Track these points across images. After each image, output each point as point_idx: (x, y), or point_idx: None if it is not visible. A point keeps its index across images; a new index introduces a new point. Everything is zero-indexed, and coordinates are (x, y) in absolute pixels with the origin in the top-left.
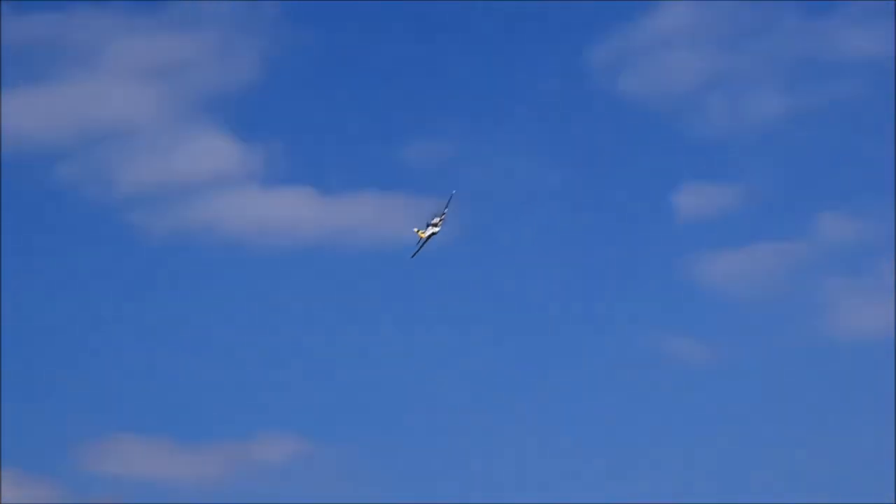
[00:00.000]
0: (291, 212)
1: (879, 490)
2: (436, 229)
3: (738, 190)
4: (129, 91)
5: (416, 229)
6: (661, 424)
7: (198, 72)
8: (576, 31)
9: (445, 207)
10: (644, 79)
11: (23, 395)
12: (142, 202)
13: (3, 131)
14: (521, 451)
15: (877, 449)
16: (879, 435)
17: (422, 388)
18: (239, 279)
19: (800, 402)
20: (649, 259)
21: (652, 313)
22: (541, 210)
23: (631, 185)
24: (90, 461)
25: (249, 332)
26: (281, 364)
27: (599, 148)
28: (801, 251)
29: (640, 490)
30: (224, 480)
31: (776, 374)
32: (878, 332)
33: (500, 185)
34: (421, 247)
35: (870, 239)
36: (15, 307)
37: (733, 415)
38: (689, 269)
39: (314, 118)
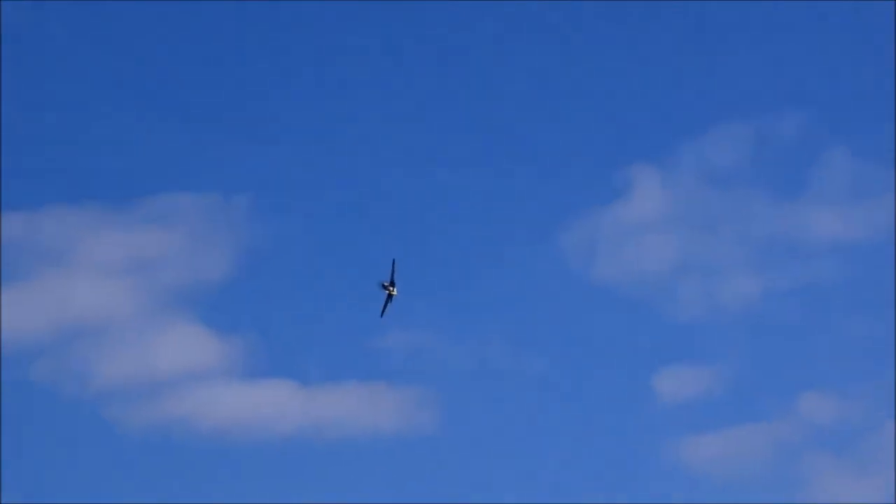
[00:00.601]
0: (272, 404)
1: None
2: (392, 291)
3: (717, 372)
4: (103, 287)
5: (389, 291)
6: None
7: (172, 266)
8: (548, 217)
9: (392, 274)
10: (617, 264)
11: None
12: (119, 397)
13: None
14: None
15: None
16: None
17: None
18: (220, 473)
19: None
20: (632, 444)
21: (638, 498)
22: (521, 397)
23: (610, 369)
24: None
25: None
26: None
27: (576, 333)
28: (784, 431)
29: None
30: None
31: None
32: None
33: (479, 373)
34: (386, 306)
35: (852, 417)
36: None
37: None
38: (673, 453)
39: (292, 310)
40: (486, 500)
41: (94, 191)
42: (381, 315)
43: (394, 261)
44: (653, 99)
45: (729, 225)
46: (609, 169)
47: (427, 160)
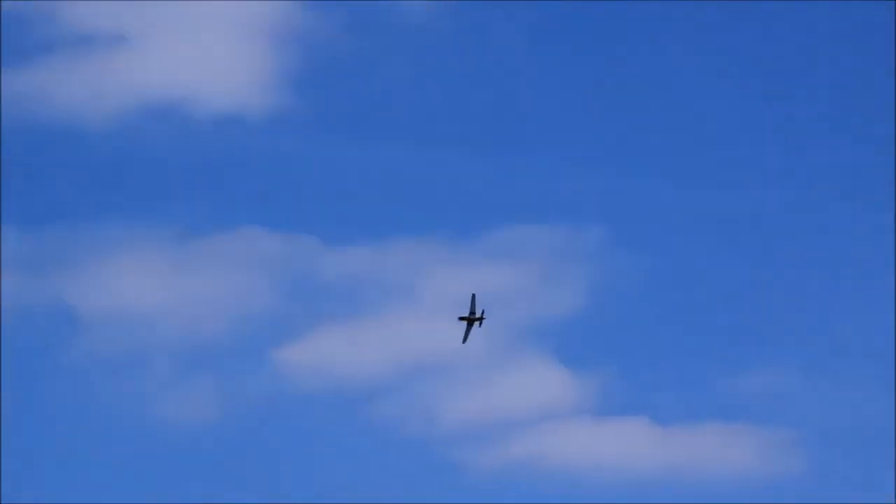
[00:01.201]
0: (627, 444)
1: None
2: (477, 318)
3: None
4: (451, 323)
5: (472, 319)
6: None
7: (521, 301)
8: None
9: (473, 306)
10: None
11: None
12: (467, 437)
13: (320, 366)
14: None
15: None
16: None
17: None
18: None
19: None
20: None
21: None
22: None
23: None
24: None
25: None
26: None
27: None
28: None
29: None
30: None
31: None
32: None
33: (847, 417)
34: (468, 333)
35: None
36: None
37: None
38: None
39: (648, 346)
40: None
41: (440, 223)
42: (464, 342)
43: (473, 295)
44: None
45: None
46: None
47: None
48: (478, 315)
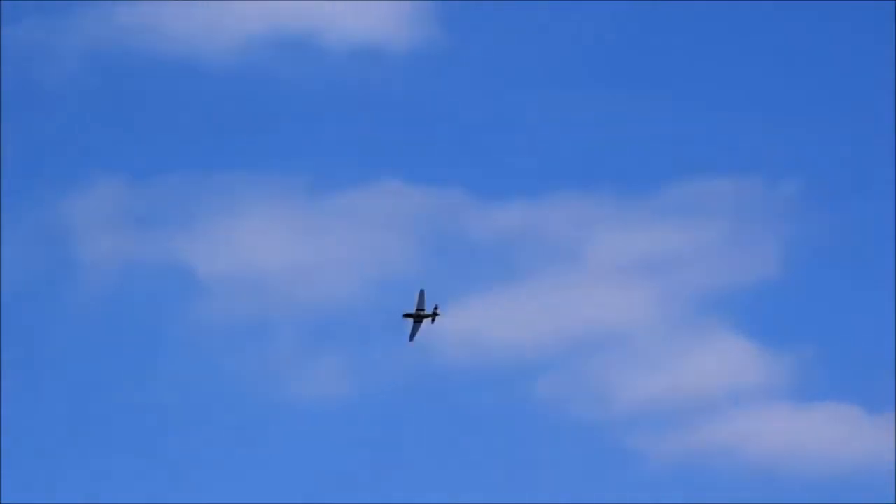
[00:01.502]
0: (831, 433)
1: None
2: (427, 314)
3: None
4: (620, 290)
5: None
6: None
7: (704, 266)
8: None
9: (422, 303)
10: None
11: None
12: (643, 421)
13: (470, 338)
14: None
15: None
16: None
17: None
18: None
19: None
20: None
21: None
22: None
23: None
24: None
25: None
26: None
27: None
28: None
29: None
30: None
31: None
32: None
33: None
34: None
35: None
36: None
37: None
38: None
39: (851, 319)
40: None
41: (611, 175)
42: (411, 340)
43: (422, 291)
44: None
45: None
46: None
47: None
48: (428, 312)
